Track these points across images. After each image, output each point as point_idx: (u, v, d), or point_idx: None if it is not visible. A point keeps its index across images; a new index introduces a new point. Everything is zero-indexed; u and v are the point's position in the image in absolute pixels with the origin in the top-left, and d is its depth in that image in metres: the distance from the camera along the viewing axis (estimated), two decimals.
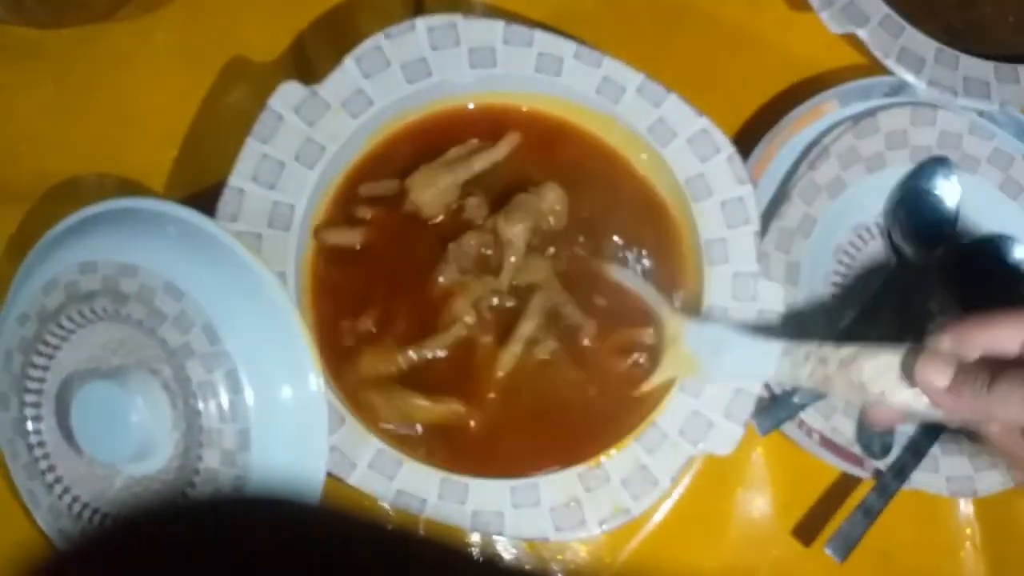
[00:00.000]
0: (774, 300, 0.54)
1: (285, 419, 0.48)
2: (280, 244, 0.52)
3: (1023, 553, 0.61)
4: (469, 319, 0.52)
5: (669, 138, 0.56)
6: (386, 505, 0.51)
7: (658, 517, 0.59)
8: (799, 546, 0.58)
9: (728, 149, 0.55)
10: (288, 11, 0.62)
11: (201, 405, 0.47)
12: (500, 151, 0.56)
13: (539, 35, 0.56)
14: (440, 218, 0.55)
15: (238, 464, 0.48)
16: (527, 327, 0.52)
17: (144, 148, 0.60)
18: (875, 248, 0.61)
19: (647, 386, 0.53)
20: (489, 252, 0.54)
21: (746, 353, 0.50)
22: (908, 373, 0.43)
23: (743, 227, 0.55)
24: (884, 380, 0.43)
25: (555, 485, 0.51)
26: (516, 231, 0.53)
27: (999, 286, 0.59)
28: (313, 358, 0.49)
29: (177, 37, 0.63)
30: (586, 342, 0.54)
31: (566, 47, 0.56)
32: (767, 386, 0.56)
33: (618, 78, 0.56)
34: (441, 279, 0.53)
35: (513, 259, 0.54)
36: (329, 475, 0.49)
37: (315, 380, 0.49)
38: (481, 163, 0.55)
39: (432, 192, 0.54)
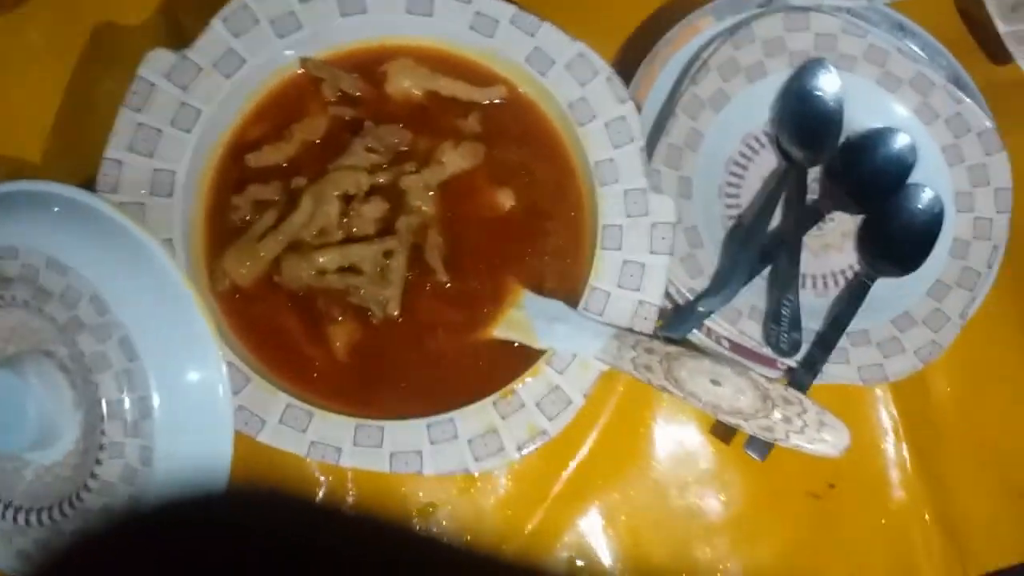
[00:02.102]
0: (666, 212, 0.55)
1: (185, 382, 0.48)
2: (164, 210, 0.52)
3: (942, 434, 0.62)
4: (331, 207, 0.53)
5: (547, 66, 0.56)
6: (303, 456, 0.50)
7: (586, 449, 0.59)
8: (726, 453, 0.59)
9: (606, 71, 0.56)
10: None
11: (98, 377, 0.47)
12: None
13: None
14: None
15: (142, 433, 0.47)
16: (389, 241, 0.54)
17: (25, 141, 0.59)
18: (766, 156, 0.62)
19: (485, 335, 0.53)
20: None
21: (580, 330, 0.52)
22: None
23: (628, 145, 0.56)
24: (697, 381, 0.48)
25: (472, 417, 0.52)
26: (451, 159, 0.55)
27: (884, 177, 0.60)
28: (205, 316, 0.48)
29: (49, 30, 0.61)
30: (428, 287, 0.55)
31: None
32: (669, 295, 0.56)
33: (490, 12, 0.56)
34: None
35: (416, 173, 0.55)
36: (239, 433, 0.49)
37: (212, 341, 0.48)
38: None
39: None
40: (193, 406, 0.47)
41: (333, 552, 0.55)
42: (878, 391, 0.62)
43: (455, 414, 0.51)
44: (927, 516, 0.61)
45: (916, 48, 0.62)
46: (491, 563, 0.57)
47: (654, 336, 0.51)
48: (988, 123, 0.60)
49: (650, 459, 0.60)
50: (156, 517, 0.47)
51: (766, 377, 0.48)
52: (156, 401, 0.47)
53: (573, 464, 0.59)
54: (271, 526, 0.55)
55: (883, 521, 0.61)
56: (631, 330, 0.52)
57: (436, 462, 0.51)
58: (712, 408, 0.47)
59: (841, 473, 0.61)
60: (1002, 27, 0.58)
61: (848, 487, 0.61)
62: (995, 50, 0.61)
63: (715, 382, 0.47)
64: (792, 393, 0.47)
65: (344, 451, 0.50)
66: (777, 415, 0.46)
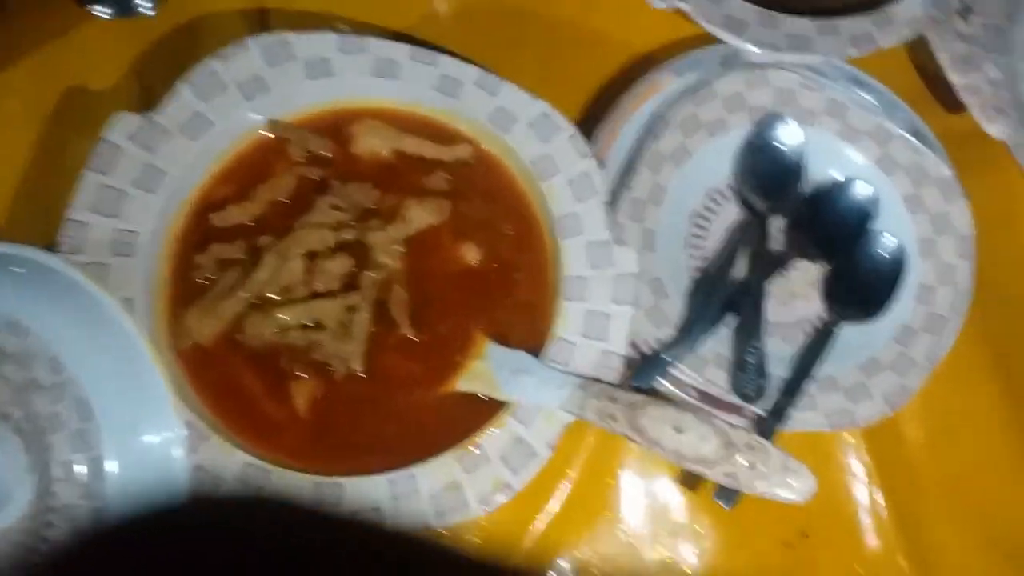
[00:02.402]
0: (628, 263, 0.55)
1: (141, 443, 0.48)
2: (127, 270, 0.52)
3: (916, 480, 0.61)
4: (295, 264, 0.53)
5: (510, 124, 0.57)
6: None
7: (556, 503, 0.59)
8: (697, 504, 0.58)
9: (569, 129, 0.57)
10: (130, 51, 0.63)
11: (52, 438, 0.46)
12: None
13: (373, 42, 0.57)
14: None
15: (95, 495, 0.47)
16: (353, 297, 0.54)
17: None
18: (729, 209, 0.63)
19: (449, 389, 0.53)
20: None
21: (544, 381, 0.52)
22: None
23: (591, 199, 0.56)
24: (660, 429, 0.48)
25: (434, 472, 0.51)
26: (416, 215, 0.56)
27: (847, 225, 0.61)
28: (163, 376, 0.48)
29: (26, 95, 0.62)
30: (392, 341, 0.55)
31: (400, 51, 0.58)
32: (635, 345, 0.56)
33: (455, 73, 0.58)
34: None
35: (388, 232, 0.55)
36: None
37: (168, 402, 0.48)
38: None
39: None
40: (148, 467, 0.47)
41: (332, 555, 0.54)
42: (850, 438, 0.61)
43: (416, 469, 0.51)
44: (903, 563, 0.60)
45: (874, 101, 0.64)
46: None
47: (618, 386, 0.51)
48: (947, 172, 0.61)
49: (620, 512, 0.59)
50: None
51: (730, 424, 0.47)
52: (110, 462, 0.47)
53: (543, 518, 0.58)
54: (270, 530, 0.53)
55: (858, 569, 0.60)
56: (596, 380, 0.52)
57: (397, 517, 0.50)
58: (676, 456, 0.47)
59: (814, 521, 0.60)
60: (955, 79, 0.60)
61: (821, 535, 0.60)
62: (949, 101, 0.62)
63: (678, 429, 0.47)
64: (756, 439, 0.47)
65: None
66: (741, 461, 0.46)
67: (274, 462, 0.51)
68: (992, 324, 0.64)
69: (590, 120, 0.62)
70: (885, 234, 0.61)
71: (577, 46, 0.66)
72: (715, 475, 0.46)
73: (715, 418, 0.47)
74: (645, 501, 0.59)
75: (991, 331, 0.64)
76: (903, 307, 0.60)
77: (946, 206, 0.61)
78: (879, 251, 0.61)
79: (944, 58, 0.60)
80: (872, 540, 0.60)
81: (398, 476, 0.51)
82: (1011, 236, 0.67)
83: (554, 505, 0.58)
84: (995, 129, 0.59)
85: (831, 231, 0.61)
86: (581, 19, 0.68)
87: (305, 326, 0.54)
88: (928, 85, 0.65)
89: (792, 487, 0.45)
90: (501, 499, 0.51)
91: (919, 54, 0.64)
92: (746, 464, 0.46)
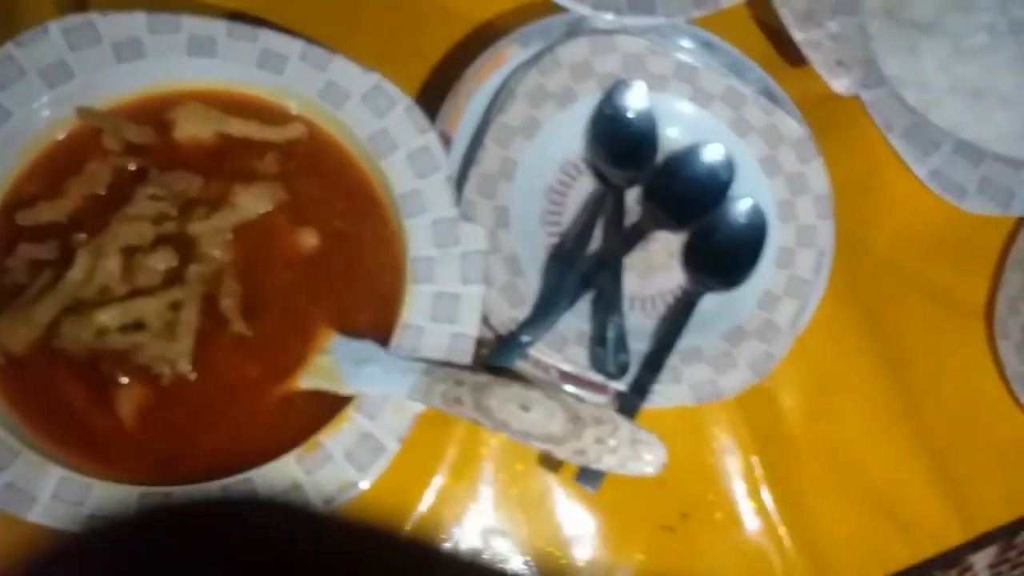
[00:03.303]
0: (476, 241, 0.53)
1: None
2: None
3: (795, 450, 0.60)
4: (112, 261, 0.49)
5: (343, 99, 0.54)
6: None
7: (423, 507, 0.55)
8: (572, 494, 0.56)
9: (405, 101, 0.54)
10: None
11: None
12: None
13: (186, 19, 0.53)
14: None
15: None
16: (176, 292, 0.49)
17: None
18: (584, 182, 0.61)
19: (290, 387, 0.50)
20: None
21: (389, 370, 0.49)
22: None
23: (434, 175, 0.54)
24: (507, 409, 0.45)
25: (272, 474, 0.48)
26: (245, 201, 0.52)
27: (703, 192, 0.59)
28: None
29: None
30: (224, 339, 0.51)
31: (218, 27, 0.54)
32: (491, 327, 0.54)
33: (278, 48, 0.54)
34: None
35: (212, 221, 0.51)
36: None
37: None
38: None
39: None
40: None
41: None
42: (726, 411, 0.60)
43: (254, 473, 0.47)
44: (785, 537, 0.59)
45: (724, 64, 0.62)
46: None
47: (465, 368, 0.48)
48: (801, 131, 0.60)
49: (491, 508, 0.56)
50: None
51: (578, 398, 0.45)
52: None
53: (408, 526, 0.55)
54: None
55: (741, 546, 0.58)
56: (444, 364, 0.49)
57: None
58: (524, 436, 0.44)
59: (694, 500, 0.59)
60: (797, 35, 0.59)
61: (703, 514, 0.58)
62: (794, 58, 0.61)
63: (525, 408, 0.45)
64: (604, 412, 0.45)
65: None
66: (589, 437, 0.43)
67: (97, 475, 0.46)
68: (860, 285, 0.63)
69: (435, 95, 0.59)
70: (743, 199, 0.59)
71: (419, 18, 0.63)
72: (564, 453, 0.44)
73: (562, 393, 0.44)
74: (518, 494, 0.56)
75: (859, 292, 0.63)
76: (765, 272, 0.59)
77: (802, 166, 0.60)
78: (737, 217, 0.59)
79: (786, 14, 0.59)
80: (754, 516, 0.59)
81: (233, 481, 0.47)
82: (873, 195, 0.66)
83: (421, 509, 0.55)
84: (839, 84, 0.58)
85: (687, 199, 0.59)
86: None
87: (126, 327, 0.49)
88: (774, 44, 0.65)
89: (643, 460, 0.43)
90: (347, 498, 0.47)
91: (764, 13, 0.63)
92: (594, 439, 0.43)
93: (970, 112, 0.65)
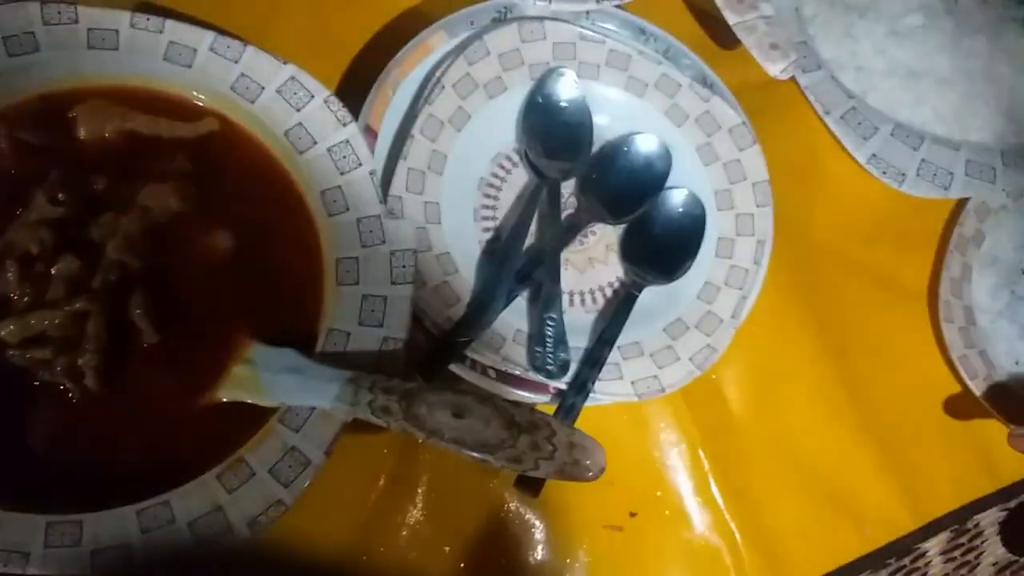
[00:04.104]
0: (404, 239, 0.50)
1: None
2: None
3: (742, 444, 0.59)
4: (8, 272, 0.46)
5: (257, 92, 0.51)
6: None
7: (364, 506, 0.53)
8: (511, 490, 0.54)
9: (323, 93, 0.51)
10: None
11: None
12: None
13: (85, 11, 0.50)
14: None
15: None
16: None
17: None
18: (519, 174, 0.59)
19: (210, 400, 0.47)
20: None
21: (312, 378, 0.46)
22: None
23: (356, 170, 0.51)
24: (440, 417, 0.42)
25: (191, 496, 0.44)
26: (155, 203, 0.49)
27: (640, 183, 0.58)
28: None
29: None
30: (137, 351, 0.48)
31: (119, 18, 0.50)
32: (425, 329, 0.51)
33: (185, 40, 0.51)
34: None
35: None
36: None
37: None
38: None
39: None
40: None
41: None
42: (671, 406, 0.58)
43: (170, 495, 0.44)
44: (736, 531, 0.57)
45: (658, 51, 0.60)
46: None
47: (394, 374, 0.46)
48: (737, 118, 0.59)
49: (435, 519, 0.53)
50: None
51: (513, 403, 0.42)
52: None
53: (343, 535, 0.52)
54: None
55: (692, 542, 0.57)
56: (373, 371, 0.46)
57: (149, 552, 0.43)
58: (457, 445, 0.42)
59: (642, 498, 0.57)
60: (731, 18, 0.57)
61: (650, 512, 0.57)
62: (728, 42, 0.60)
63: (457, 414, 0.42)
64: (540, 416, 0.42)
65: (33, 556, 0.42)
66: (524, 443, 0.41)
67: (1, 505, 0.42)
68: (801, 272, 0.62)
69: (359, 87, 0.56)
70: (680, 189, 0.58)
71: (341, 6, 0.60)
72: (499, 462, 0.41)
73: (495, 397, 0.42)
74: (461, 503, 0.54)
75: (801, 280, 0.62)
76: (705, 263, 0.57)
77: (739, 153, 0.59)
78: (675, 207, 0.58)
79: None
80: (703, 512, 0.57)
81: (148, 505, 0.44)
82: (812, 181, 0.65)
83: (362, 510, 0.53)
84: (775, 68, 0.57)
85: (624, 191, 0.57)
86: None
87: (27, 342, 0.46)
88: (707, 28, 0.63)
89: (581, 465, 0.41)
90: (272, 517, 0.44)
91: None
92: (529, 445, 0.41)
93: (907, 94, 0.64)
